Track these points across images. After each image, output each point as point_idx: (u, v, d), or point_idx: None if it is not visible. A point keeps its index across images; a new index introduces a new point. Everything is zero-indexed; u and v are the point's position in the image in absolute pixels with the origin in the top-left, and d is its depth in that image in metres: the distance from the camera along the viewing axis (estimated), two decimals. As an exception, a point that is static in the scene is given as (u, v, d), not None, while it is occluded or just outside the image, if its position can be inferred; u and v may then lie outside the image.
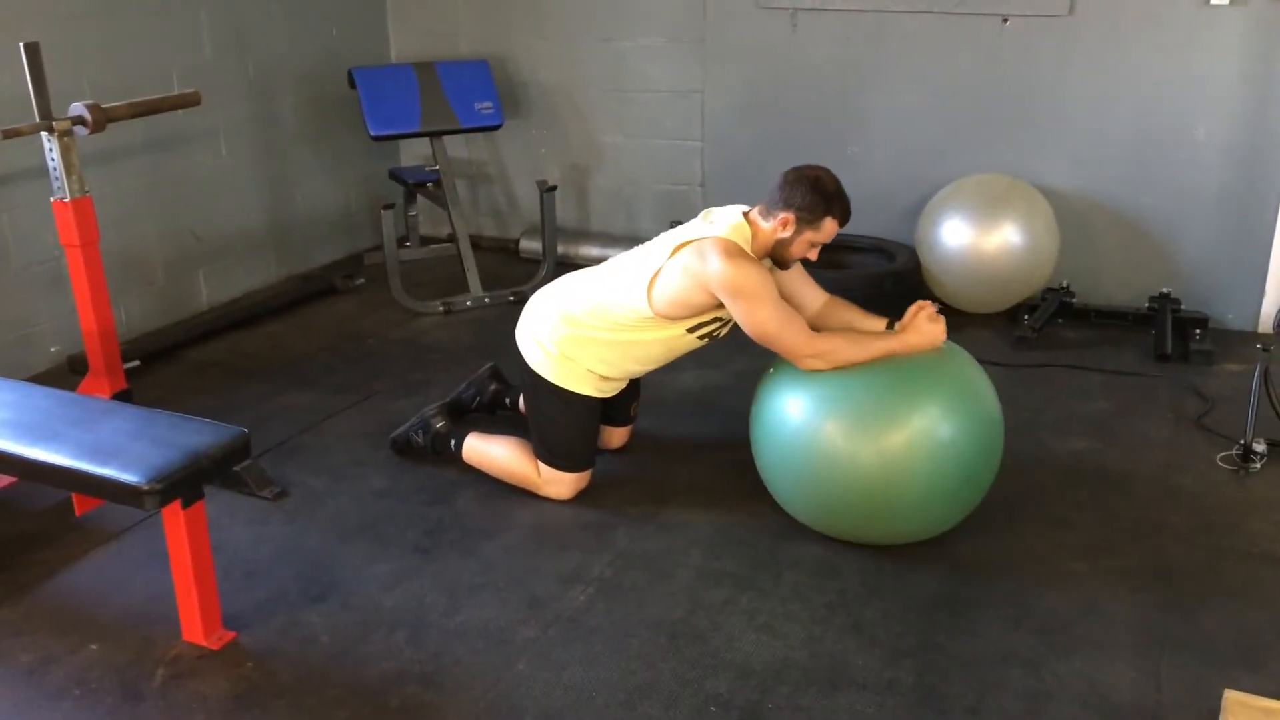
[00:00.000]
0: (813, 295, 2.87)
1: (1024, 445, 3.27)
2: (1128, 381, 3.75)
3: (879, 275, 4.11)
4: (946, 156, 4.42)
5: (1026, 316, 4.12)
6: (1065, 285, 4.30)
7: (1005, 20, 4.20)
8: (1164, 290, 4.17)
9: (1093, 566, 2.65)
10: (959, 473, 2.57)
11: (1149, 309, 4.17)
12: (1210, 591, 2.55)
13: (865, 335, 2.68)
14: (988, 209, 4.11)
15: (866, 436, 2.53)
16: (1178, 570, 2.63)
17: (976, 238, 4.09)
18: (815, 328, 2.70)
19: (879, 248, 4.39)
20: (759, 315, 2.63)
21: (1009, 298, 4.24)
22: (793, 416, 2.62)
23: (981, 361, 3.81)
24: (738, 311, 2.66)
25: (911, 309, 2.66)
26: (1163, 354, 3.89)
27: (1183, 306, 4.13)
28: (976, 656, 2.32)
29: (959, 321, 4.24)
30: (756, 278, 2.63)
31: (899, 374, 2.58)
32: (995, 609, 2.48)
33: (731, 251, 2.63)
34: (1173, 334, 3.95)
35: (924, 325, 2.63)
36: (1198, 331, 3.98)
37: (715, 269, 2.62)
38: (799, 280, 2.87)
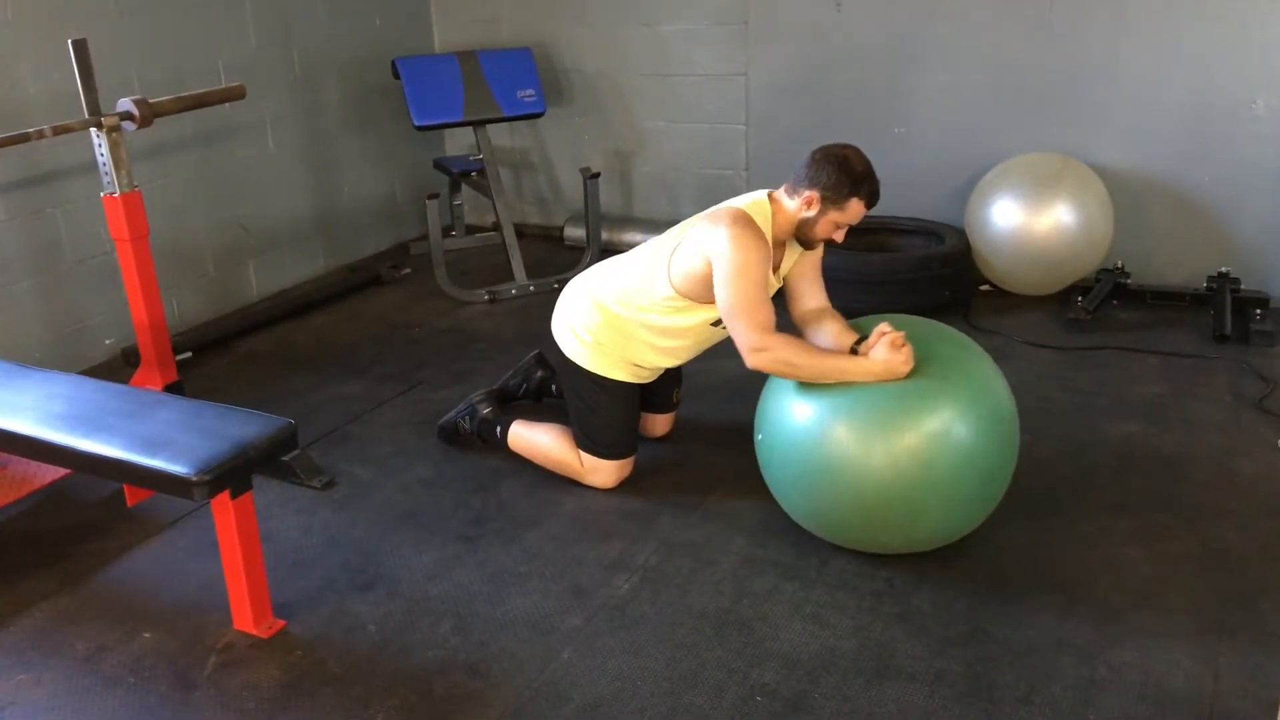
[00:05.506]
0: (812, 294, 2.78)
1: (1077, 429, 3.21)
2: (1185, 364, 3.66)
3: (927, 258, 4.04)
4: (996, 135, 4.33)
5: (1080, 298, 4.04)
6: (1120, 266, 4.21)
7: (1055, -6, 4.11)
8: (1223, 269, 4.06)
9: (1148, 553, 2.59)
10: (974, 476, 2.42)
11: (1207, 289, 4.06)
12: (1270, 578, 2.47)
13: (821, 349, 2.55)
14: (1039, 188, 4.03)
15: (877, 440, 2.37)
16: (1236, 556, 2.57)
17: (1027, 218, 4.01)
18: (797, 324, 2.74)
19: (927, 229, 4.32)
20: (733, 286, 2.56)
21: (1061, 279, 4.16)
22: (799, 422, 2.47)
23: (1033, 345, 3.82)
24: (715, 277, 2.60)
25: (874, 333, 2.46)
26: (1222, 335, 3.80)
27: (1242, 286, 4.02)
28: (1027, 645, 2.28)
29: (1010, 304, 4.19)
30: (748, 250, 2.56)
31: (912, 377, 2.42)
32: (1046, 597, 2.44)
33: (739, 220, 2.60)
34: (1232, 314, 3.85)
35: (883, 352, 2.41)
36: (1258, 311, 3.88)
37: (713, 233, 2.60)
38: (810, 275, 2.79)
